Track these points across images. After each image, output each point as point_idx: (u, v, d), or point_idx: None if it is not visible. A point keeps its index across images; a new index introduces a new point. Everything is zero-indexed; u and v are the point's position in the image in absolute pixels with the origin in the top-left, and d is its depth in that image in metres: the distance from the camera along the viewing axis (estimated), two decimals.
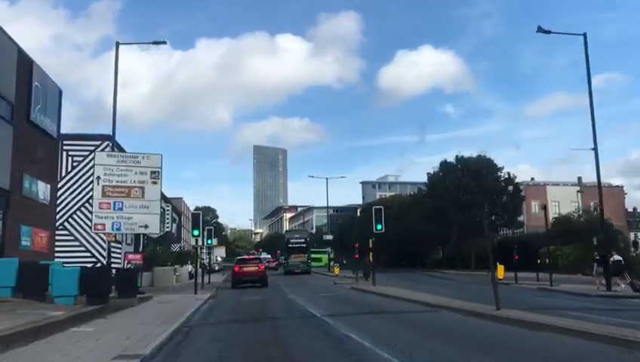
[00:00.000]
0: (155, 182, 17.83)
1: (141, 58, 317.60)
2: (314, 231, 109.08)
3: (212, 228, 28.93)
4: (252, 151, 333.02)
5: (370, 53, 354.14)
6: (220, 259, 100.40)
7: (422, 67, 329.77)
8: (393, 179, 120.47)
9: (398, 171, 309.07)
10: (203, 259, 71.03)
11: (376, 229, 24.93)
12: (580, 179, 74.53)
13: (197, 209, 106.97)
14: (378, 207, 28.08)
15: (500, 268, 28.76)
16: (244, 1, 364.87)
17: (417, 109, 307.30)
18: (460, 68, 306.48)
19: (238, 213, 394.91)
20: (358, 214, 72.36)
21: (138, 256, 22.35)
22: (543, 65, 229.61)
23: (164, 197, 41.53)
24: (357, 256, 35.73)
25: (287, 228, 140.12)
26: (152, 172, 17.78)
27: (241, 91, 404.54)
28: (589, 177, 60.20)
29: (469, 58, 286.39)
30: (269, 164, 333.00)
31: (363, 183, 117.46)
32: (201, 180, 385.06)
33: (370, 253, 28.35)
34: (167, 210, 43.87)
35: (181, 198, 65.23)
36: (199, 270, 25.34)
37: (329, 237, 51.76)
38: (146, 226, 17.80)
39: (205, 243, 27.77)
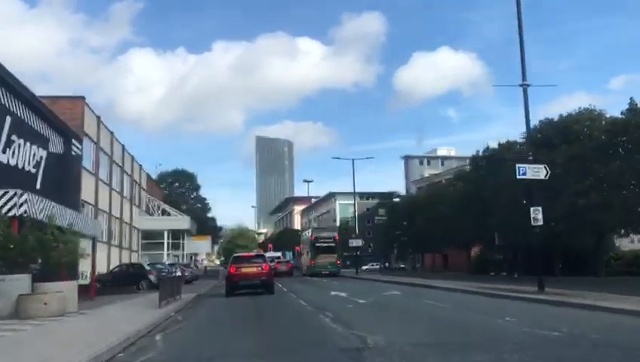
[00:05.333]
0: None
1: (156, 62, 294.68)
2: (337, 223, 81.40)
3: None
4: (255, 143, 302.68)
5: (388, 55, 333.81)
6: (205, 260, 69.01)
7: (439, 69, 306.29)
8: (445, 153, 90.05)
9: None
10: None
11: None
12: None
13: (162, 173, 71.24)
14: None
15: None
16: (261, 3, 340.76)
17: (430, 111, 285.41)
18: (477, 70, 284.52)
19: (241, 218, 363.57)
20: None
21: None
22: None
23: None
24: None
25: (300, 223, 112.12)
26: None
27: (255, 95, 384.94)
28: None
29: (488, 60, 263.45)
30: (274, 157, 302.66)
31: (407, 158, 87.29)
32: (208, 185, 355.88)
33: None
34: None
35: (82, 98, 29.27)
36: None
37: None
38: None
39: None
